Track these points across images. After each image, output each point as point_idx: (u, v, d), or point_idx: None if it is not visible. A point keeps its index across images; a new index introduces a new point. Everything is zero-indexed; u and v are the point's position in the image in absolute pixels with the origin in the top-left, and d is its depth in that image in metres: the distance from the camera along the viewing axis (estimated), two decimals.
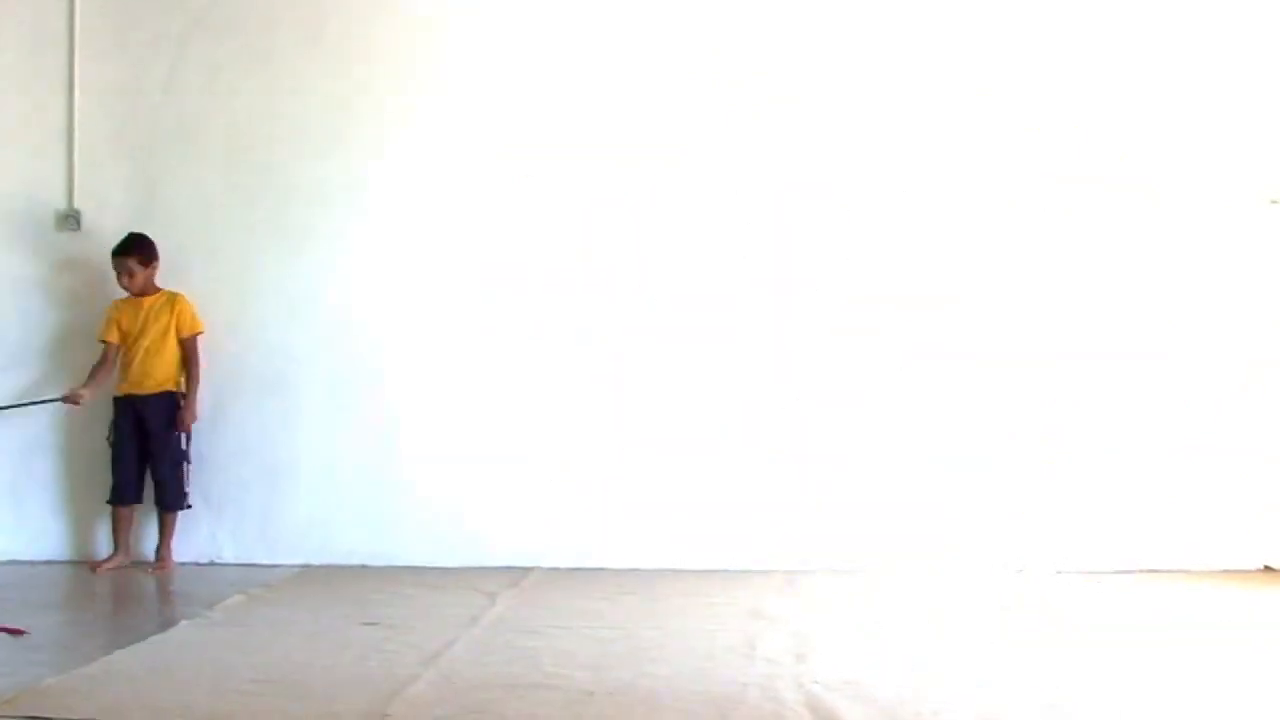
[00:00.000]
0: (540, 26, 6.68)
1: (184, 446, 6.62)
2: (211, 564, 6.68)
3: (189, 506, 6.65)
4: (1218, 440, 6.32)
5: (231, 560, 6.69)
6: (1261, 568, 6.27)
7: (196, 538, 6.71)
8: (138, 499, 6.64)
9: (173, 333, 6.61)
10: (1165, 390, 6.35)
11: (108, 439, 6.63)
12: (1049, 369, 6.39)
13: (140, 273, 6.60)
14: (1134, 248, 6.42)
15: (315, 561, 6.60)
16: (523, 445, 6.60)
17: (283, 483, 6.71)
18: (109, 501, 6.63)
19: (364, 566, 6.53)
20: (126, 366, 6.65)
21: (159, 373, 6.61)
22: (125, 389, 6.65)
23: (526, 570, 6.35)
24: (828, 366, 6.48)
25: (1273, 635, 5.15)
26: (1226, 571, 6.19)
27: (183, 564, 6.63)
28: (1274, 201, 6.33)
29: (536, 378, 6.62)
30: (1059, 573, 6.21)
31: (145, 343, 6.59)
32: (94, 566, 6.54)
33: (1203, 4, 6.40)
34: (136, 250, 6.60)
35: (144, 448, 6.61)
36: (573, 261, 6.61)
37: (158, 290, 6.67)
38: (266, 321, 6.72)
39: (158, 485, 6.63)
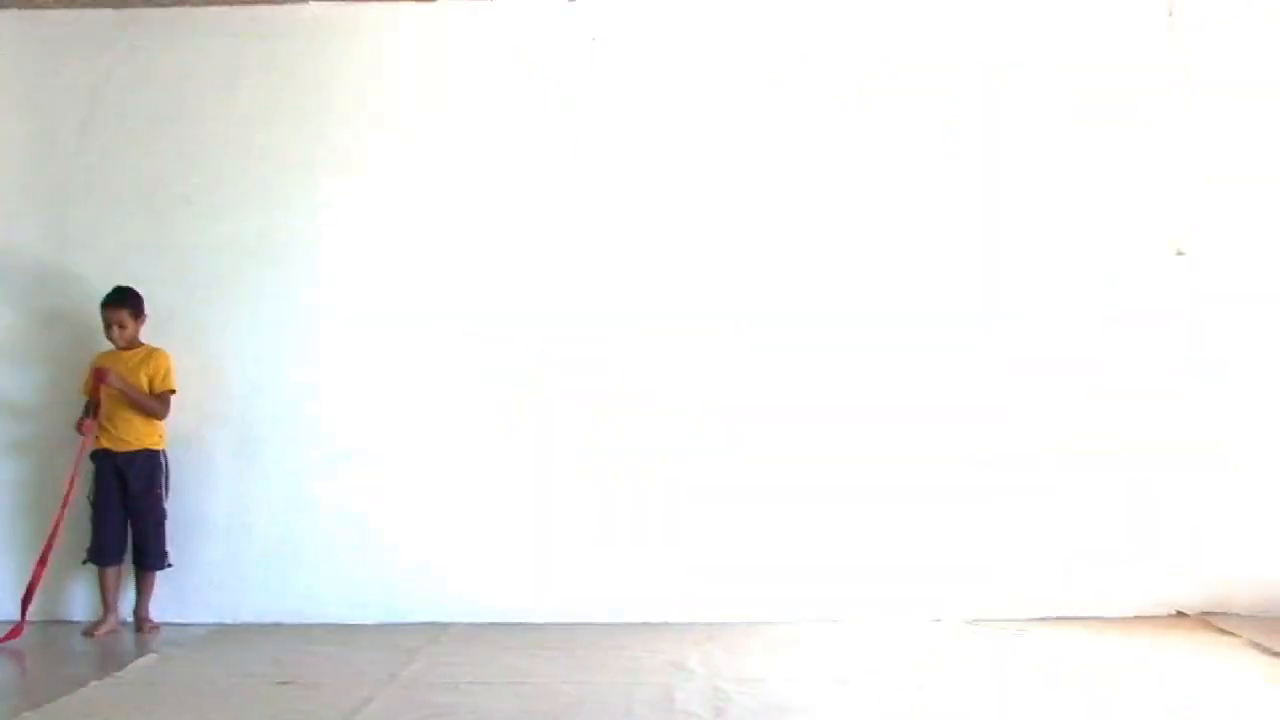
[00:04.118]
0: (457, 79, 6.70)
1: (165, 505, 6.47)
2: (123, 623, 6.53)
3: (170, 565, 6.49)
4: (1129, 490, 6.40)
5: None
6: (1174, 613, 6.35)
7: None
8: (121, 559, 6.44)
9: (149, 388, 6.46)
10: (1076, 439, 6.43)
11: (89, 497, 6.41)
12: (957, 419, 6.46)
13: (131, 325, 6.46)
14: (1045, 298, 6.53)
15: (229, 620, 6.51)
16: (440, 500, 6.56)
17: (195, 540, 6.59)
18: (90, 562, 6.40)
19: (278, 625, 6.44)
20: (107, 421, 6.43)
21: (139, 428, 6.45)
22: (105, 444, 6.42)
23: (446, 626, 6.30)
24: (741, 424, 6.50)
25: (1185, 683, 5.20)
26: (1140, 618, 6.26)
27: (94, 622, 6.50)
28: (1179, 253, 6.47)
29: (450, 433, 6.59)
30: (974, 621, 6.26)
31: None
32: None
33: (1106, 61, 6.54)
34: (130, 302, 6.46)
35: (124, 506, 6.42)
36: (490, 319, 6.60)
37: (140, 345, 6.53)
38: (179, 377, 6.60)
39: (138, 545, 6.44)
